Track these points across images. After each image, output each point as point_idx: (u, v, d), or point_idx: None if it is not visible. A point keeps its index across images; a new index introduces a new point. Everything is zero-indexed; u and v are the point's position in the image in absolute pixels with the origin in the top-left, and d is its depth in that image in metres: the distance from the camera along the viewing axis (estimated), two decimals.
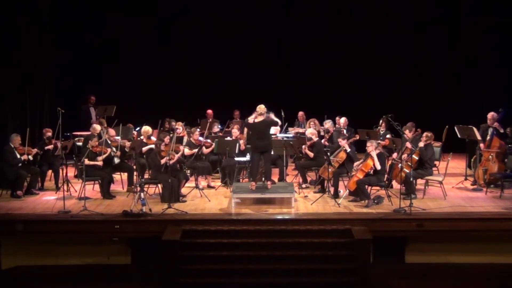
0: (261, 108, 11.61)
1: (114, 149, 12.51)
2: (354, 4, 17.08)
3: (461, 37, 16.68)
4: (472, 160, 13.54)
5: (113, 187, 12.68)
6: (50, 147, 12.82)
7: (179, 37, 17.23)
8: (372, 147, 11.48)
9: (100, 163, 12.08)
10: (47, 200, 12.09)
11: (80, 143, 13.67)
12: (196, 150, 13.01)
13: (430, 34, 16.89)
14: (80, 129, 14.77)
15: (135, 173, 12.75)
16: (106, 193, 12.19)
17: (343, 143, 12.08)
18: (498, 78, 15.95)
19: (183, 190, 12.24)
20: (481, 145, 13.03)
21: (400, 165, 11.68)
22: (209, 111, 16.07)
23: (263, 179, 11.89)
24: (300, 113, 15.82)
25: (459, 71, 16.93)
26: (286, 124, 14.83)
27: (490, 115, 12.85)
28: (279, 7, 17.14)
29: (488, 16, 15.98)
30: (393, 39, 17.03)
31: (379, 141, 12.66)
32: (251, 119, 11.71)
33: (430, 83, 16.98)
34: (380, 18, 16.99)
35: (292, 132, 15.13)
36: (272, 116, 11.86)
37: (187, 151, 12.82)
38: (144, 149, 12.72)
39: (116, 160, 12.65)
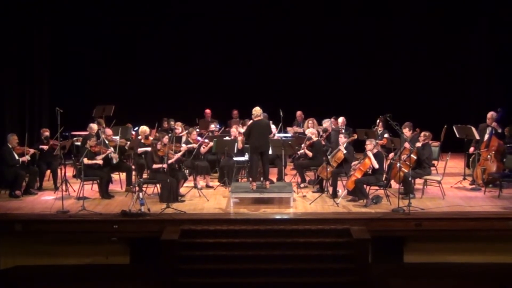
0: (257, 110, 11.69)
1: (112, 149, 12.52)
2: (353, 4, 17.07)
3: (460, 36, 16.65)
4: (470, 159, 13.55)
5: (111, 187, 12.68)
6: (45, 147, 12.82)
7: (178, 37, 17.24)
8: (371, 145, 11.50)
9: (100, 161, 12.09)
10: (46, 200, 12.10)
11: (78, 143, 13.67)
12: (192, 145, 13.02)
13: (429, 33, 16.86)
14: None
15: (133, 173, 12.76)
16: (105, 193, 12.19)
17: (343, 141, 12.09)
18: (497, 77, 15.94)
19: (182, 190, 12.25)
20: (471, 148, 13.06)
21: (398, 164, 11.68)
22: (207, 111, 16.08)
23: (261, 179, 11.90)
24: (298, 113, 15.85)
25: (458, 70, 16.92)
26: (281, 125, 14.83)
27: (490, 114, 12.84)
28: (278, 7, 17.12)
29: (488, 15, 15.99)
30: (392, 38, 17.05)
31: (378, 141, 12.67)
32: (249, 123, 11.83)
33: (428, 83, 16.97)
34: (379, 18, 16.99)
35: (290, 132, 15.14)
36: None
37: (184, 146, 12.86)
38: (140, 150, 12.72)
39: (115, 160, 12.63)
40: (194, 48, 17.33)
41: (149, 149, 12.27)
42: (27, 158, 12.38)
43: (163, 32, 17.21)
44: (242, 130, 13.48)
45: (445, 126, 14.13)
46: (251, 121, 11.89)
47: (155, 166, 11.77)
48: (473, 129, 12.95)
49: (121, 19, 16.82)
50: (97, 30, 16.82)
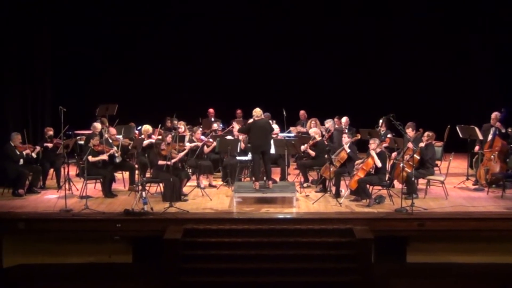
0: (257, 111, 11.72)
1: (116, 148, 12.51)
2: (353, 4, 17.09)
3: (461, 36, 16.67)
4: (473, 160, 13.57)
5: (114, 186, 12.66)
6: (50, 145, 12.82)
7: (181, 36, 17.21)
8: (375, 145, 11.51)
9: (105, 157, 12.10)
10: (49, 198, 12.11)
11: (82, 142, 13.67)
12: (196, 144, 13.02)
13: (430, 34, 16.87)
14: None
15: (136, 172, 12.76)
16: (108, 192, 12.19)
17: (347, 141, 12.10)
18: (497, 77, 15.96)
19: (185, 189, 12.26)
20: (476, 147, 13.10)
21: (401, 164, 11.69)
22: (211, 110, 16.06)
23: (264, 178, 11.89)
24: (301, 112, 15.84)
25: (460, 70, 16.93)
26: (289, 129, 14.81)
27: (494, 115, 12.83)
28: (278, 7, 17.12)
29: (488, 15, 16.01)
30: (392, 38, 17.06)
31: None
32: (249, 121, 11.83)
33: (431, 83, 16.97)
34: (379, 18, 17.00)
35: (294, 131, 15.12)
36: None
37: (188, 145, 12.86)
38: (145, 143, 12.71)
39: (118, 159, 12.62)
40: (194, 48, 17.29)
41: (154, 140, 12.27)
42: (32, 154, 12.37)
43: (163, 32, 17.17)
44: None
45: (449, 126, 14.12)
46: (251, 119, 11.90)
47: (160, 162, 11.76)
48: (476, 129, 12.96)
49: (121, 19, 16.77)
50: (97, 30, 16.77)
